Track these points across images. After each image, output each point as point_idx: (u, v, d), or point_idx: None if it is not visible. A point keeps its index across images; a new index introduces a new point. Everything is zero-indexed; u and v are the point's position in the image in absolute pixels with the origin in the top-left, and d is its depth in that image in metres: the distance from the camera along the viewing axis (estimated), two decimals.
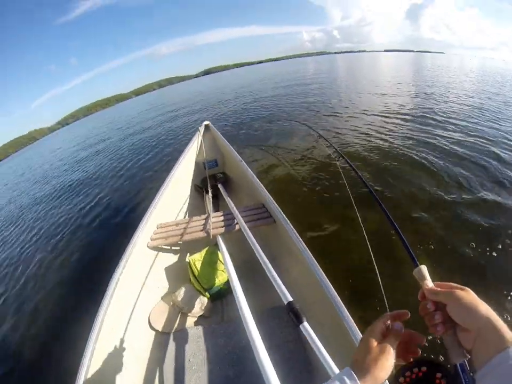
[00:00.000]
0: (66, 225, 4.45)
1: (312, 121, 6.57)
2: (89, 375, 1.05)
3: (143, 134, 10.32)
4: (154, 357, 1.47)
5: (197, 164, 2.89)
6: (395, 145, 4.44)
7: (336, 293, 1.16)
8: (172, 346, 1.50)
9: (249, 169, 2.32)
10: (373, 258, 1.16)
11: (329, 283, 1.21)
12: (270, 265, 1.38)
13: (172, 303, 1.72)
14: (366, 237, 1.26)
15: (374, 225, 2.15)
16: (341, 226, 2.70)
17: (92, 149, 11.33)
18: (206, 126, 3.04)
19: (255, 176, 2.20)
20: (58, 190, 6.85)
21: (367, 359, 0.45)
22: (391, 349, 0.45)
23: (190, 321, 1.70)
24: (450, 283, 0.49)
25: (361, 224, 1.34)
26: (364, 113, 6.63)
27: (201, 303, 1.73)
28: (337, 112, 7.03)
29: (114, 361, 1.24)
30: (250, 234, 1.68)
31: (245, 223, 1.83)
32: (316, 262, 1.33)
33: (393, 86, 10.39)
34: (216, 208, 2.37)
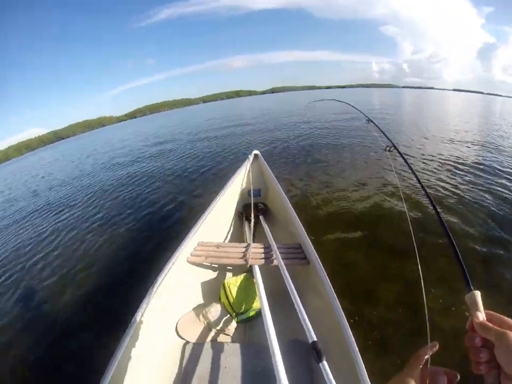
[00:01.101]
0: (119, 213, 4.96)
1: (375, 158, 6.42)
2: (116, 370, 1.18)
3: (206, 143, 10.78)
4: (174, 362, 1.60)
5: (241, 191, 3.01)
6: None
7: (354, 341, 1.22)
8: (193, 355, 1.61)
9: (291, 206, 2.37)
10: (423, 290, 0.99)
11: (350, 331, 1.27)
12: (299, 302, 1.46)
13: (201, 316, 1.83)
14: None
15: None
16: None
17: (157, 147, 12.06)
18: (255, 155, 3.14)
19: (295, 214, 2.25)
20: (120, 179, 7.58)
21: None
22: None
23: (215, 336, 1.80)
24: (504, 317, 0.45)
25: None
26: (428, 159, 6.25)
27: (228, 322, 1.84)
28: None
29: (140, 362, 1.36)
30: (285, 270, 1.78)
31: (282, 259, 1.92)
32: (341, 309, 1.38)
33: (461, 131, 9.60)
34: (254, 238, 2.43)
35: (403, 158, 1.58)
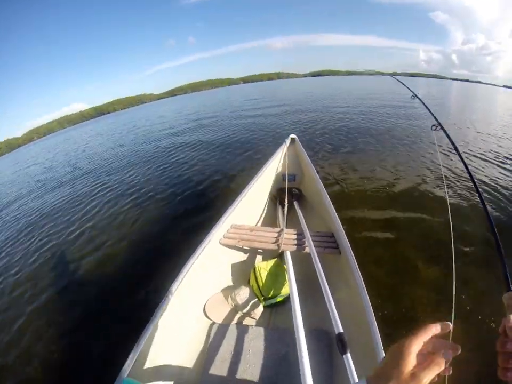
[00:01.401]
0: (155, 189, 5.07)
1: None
2: (145, 345, 1.23)
3: (246, 120, 10.80)
4: (200, 342, 1.64)
5: (276, 175, 2.98)
6: None
7: (379, 335, 1.19)
8: (218, 336, 1.63)
9: (326, 193, 2.31)
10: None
11: (376, 324, 1.24)
12: (329, 291, 1.47)
13: (229, 298, 1.84)
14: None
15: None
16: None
17: (196, 125, 12.18)
18: (292, 140, 3.07)
19: (330, 202, 2.21)
20: (158, 155, 7.74)
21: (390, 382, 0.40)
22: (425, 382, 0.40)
23: (241, 318, 1.82)
24: None
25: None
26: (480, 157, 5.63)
27: (255, 306, 1.84)
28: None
29: (167, 339, 1.40)
30: (317, 258, 1.77)
31: (314, 247, 1.91)
32: (369, 303, 1.36)
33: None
34: (287, 223, 2.40)
35: (449, 138, 1.49)
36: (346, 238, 1.85)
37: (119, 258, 3.23)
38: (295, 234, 2.16)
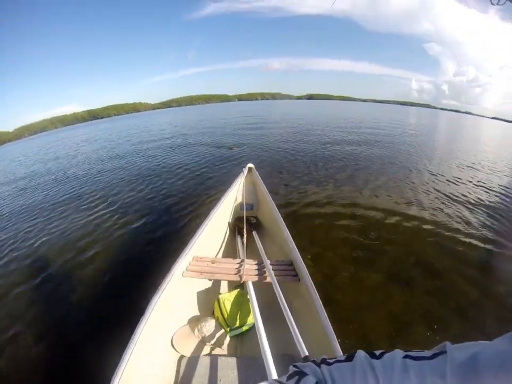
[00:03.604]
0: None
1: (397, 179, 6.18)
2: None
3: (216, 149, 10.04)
4: (169, 376, 1.61)
5: (235, 205, 3.03)
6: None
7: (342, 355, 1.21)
8: (188, 369, 1.63)
9: (283, 221, 2.40)
10: None
11: (339, 346, 1.30)
12: (291, 318, 1.54)
13: (196, 330, 1.83)
14: None
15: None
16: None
17: (182, 142, 11.94)
18: (249, 169, 3.14)
19: (287, 230, 2.29)
20: (124, 179, 7.06)
21: None
22: None
23: (209, 349, 1.82)
24: None
25: None
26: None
27: (222, 337, 1.86)
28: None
29: (138, 377, 1.39)
30: (277, 286, 1.85)
31: (274, 276, 1.98)
32: (330, 326, 1.42)
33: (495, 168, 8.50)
34: (247, 252, 2.47)
35: None
36: (304, 266, 1.93)
37: (75, 296, 2.88)
38: (255, 264, 2.22)
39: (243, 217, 2.68)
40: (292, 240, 2.18)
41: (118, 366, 1.24)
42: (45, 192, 6.92)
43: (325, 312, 1.53)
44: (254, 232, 2.77)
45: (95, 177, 7.54)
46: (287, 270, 2.11)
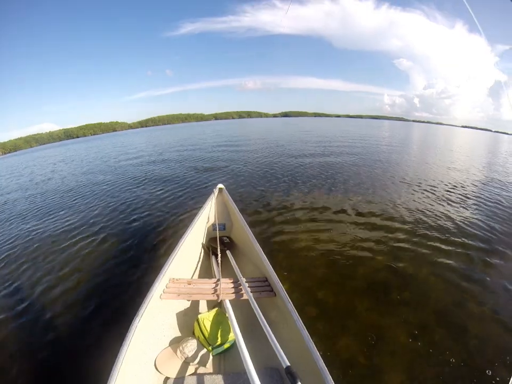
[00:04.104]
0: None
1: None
2: None
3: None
4: None
5: (207, 225, 3.08)
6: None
7: (324, 364, 1.34)
8: None
9: (255, 239, 2.48)
10: None
11: (319, 354, 1.39)
12: (270, 331, 1.61)
13: (178, 351, 1.83)
14: None
15: None
16: None
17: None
18: (220, 189, 3.21)
19: (260, 247, 2.37)
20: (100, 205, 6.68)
21: None
22: None
23: (193, 369, 1.82)
24: None
25: None
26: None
27: (205, 356, 1.86)
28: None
29: None
30: (254, 302, 1.92)
31: (250, 292, 2.05)
32: (309, 336, 1.51)
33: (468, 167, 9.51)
34: (222, 271, 2.52)
35: None
36: (279, 281, 2.01)
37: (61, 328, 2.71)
38: (231, 282, 2.27)
39: (216, 237, 2.75)
40: (265, 257, 2.25)
41: None
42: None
43: (302, 323, 1.60)
44: (228, 252, 2.81)
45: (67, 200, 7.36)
46: (262, 286, 2.19)
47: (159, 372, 1.73)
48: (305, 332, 1.54)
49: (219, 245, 2.65)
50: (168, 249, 2.38)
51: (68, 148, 37.80)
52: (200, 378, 1.69)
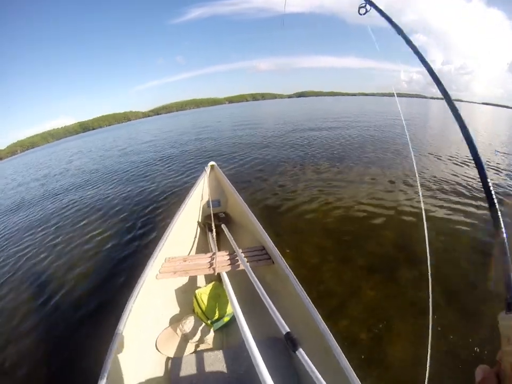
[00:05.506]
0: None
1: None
2: None
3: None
4: (160, 379, 1.58)
5: (202, 203, 3.09)
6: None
7: (326, 326, 1.32)
8: (176, 370, 1.61)
9: (250, 211, 2.50)
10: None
11: (320, 317, 1.38)
12: (269, 300, 1.56)
13: (178, 330, 1.81)
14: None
15: None
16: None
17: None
18: (212, 167, 3.23)
19: (255, 218, 2.39)
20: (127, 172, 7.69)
21: None
22: None
23: (195, 347, 1.80)
24: None
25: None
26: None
27: (205, 332, 1.83)
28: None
29: (125, 377, 1.36)
30: (251, 272, 1.90)
31: (247, 262, 2.05)
32: (309, 299, 1.50)
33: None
34: (219, 246, 2.53)
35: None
36: (276, 248, 2.02)
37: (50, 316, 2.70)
38: (227, 255, 2.26)
39: (211, 214, 2.76)
40: (261, 227, 2.27)
41: (101, 373, 1.19)
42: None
43: (302, 288, 1.58)
44: (223, 226, 2.81)
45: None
46: (260, 255, 2.17)
47: (160, 352, 1.71)
48: (304, 295, 1.53)
49: (213, 220, 2.66)
50: (162, 230, 2.34)
51: (85, 140, 38.83)
52: (202, 355, 1.67)
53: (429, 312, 0.91)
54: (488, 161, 6.59)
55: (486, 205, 0.53)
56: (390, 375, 1.84)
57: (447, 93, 0.73)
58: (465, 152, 6.66)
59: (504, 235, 0.48)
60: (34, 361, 2.24)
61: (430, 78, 0.79)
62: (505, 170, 6.04)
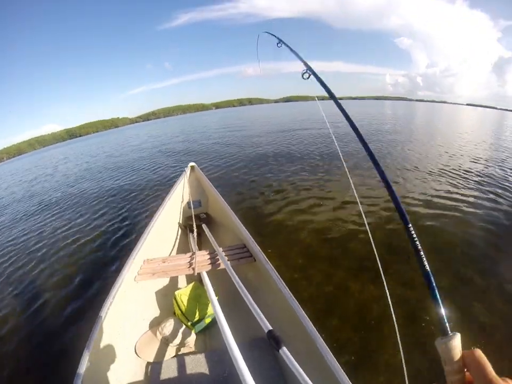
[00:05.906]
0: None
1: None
2: None
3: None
4: None
5: (182, 204, 3.07)
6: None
7: (310, 321, 1.28)
8: (157, 375, 1.52)
9: (231, 210, 2.47)
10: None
11: (305, 314, 1.33)
12: (251, 299, 1.51)
13: (158, 333, 1.74)
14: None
15: None
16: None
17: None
18: (192, 168, 3.23)
19: (236, 217, 2.36)
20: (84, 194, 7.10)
21: None
22: None
23: (176, 351, 1.73)
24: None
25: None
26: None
27: (186, 334, 1.77)
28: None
29: None
30: (232, 271, 1.84)
31: (228, 261, 2.00)
32: (292, 296, 1.45)
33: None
34: (200, 246, 2.50)
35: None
36: (257, 245, 1.98)
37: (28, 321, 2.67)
38: (207, 254, 2.22)
39: (191, 215, 2.73)
40: (242, 225, 2.25)
41: (74, 383, 1.10)
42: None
43: (284, 284, 1.55)
44: (204, 226, 2.78)
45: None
46: (241, 253, 2.14)
47: (140, 357, 1.64)
48: (287, 291, 1.49)
49: (194, 221, 2.62)
50: (141, 232, 2.26)
51: (70, 147, 38.47)
52: (183, 358, 1.61)
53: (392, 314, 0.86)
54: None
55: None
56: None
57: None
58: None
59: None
60: None
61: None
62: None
